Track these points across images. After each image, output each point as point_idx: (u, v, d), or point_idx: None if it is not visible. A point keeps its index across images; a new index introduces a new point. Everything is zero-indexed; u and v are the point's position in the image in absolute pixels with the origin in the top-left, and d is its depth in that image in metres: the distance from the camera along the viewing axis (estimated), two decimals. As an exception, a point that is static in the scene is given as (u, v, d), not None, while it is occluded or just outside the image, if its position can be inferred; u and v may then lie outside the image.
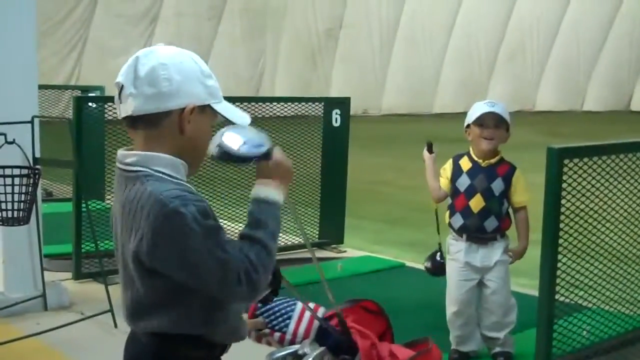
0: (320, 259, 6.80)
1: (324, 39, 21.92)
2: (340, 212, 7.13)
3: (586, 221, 3.63)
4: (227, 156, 2.09)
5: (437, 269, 4.61)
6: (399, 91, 23.03)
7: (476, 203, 4.30)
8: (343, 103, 7.23)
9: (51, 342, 4.74)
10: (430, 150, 4.54)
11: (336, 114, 7.08)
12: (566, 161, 3.44)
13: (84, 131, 6.05)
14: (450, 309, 4.44)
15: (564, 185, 3.43)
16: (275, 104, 7.61)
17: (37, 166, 5.11)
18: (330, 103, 7.28)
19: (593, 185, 3.61)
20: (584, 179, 3.54)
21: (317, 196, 7.09)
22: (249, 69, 20.88)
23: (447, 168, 4.45)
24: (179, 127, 2.07)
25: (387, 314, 2.81)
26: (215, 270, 1.95)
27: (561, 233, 3.43)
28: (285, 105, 7.57)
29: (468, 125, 4.36)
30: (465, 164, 4.39)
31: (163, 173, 2.05)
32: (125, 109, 2.07)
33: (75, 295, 5.58)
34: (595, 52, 26.79)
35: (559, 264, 3.46)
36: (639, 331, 4.72)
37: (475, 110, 4.33)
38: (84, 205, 5.64)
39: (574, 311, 3.86)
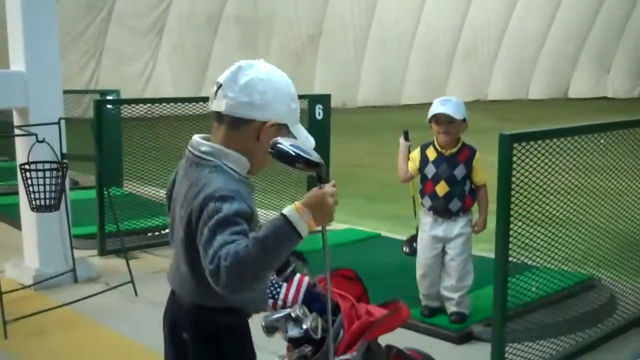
0: (311, 232, 6.80)
1: (307, 44, 21.84)
2: (325, 192, 7.12)
3: (533, 194, 3.65)
4: (282, 153, 1.93)
5: (414, 252, 4.61)
6: (371, 86, 23.01)
7: (441, 188, 4.31)
8: (324, 99, 7.22)
9: (81, 310, 4.75)
10: (406, 138, 4.53)
11: (319, 108, 7.07)
12: (515, 145, 3.45)
13: (103, 129, 6.04)
14: (419, 271, 4.47)
15: (514, 165, 3.44)
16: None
17: (65, 161, 5.10)
18: (314, 99, 7.25)
19: (539, 164, 3.62)
20: (531, 159, 3.56)
21: (304, 180, 7.08)
22: (243, 71, 20.78)
23: (416, 156, 4.44)
24: (256, 135, 2.06)
25: (362, 280, 2.82)
26: (208, 245, 1.88)
27: (512, 205, 3.45)
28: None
29: (429, 121, 4.34)
30: (431, 153, 4.38)
31: (230, 168, 2.04)
32: (218, 105, 2.07)
33: (100, 269, 5.59)
34: (537, 49, 26.83)
35: (511, 231, 3.48)
36: (579, 286, 4.77)
37: (432, 109, 4.30)
38: (105, 192, 5.63)
39: (524, 270, 3.88)
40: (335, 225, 7.01)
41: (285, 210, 1.88)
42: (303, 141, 2.08)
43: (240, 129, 2.06)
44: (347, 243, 6.37)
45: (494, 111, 20.16)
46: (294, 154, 1.92)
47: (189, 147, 2.10)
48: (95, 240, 6.04)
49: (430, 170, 4.36)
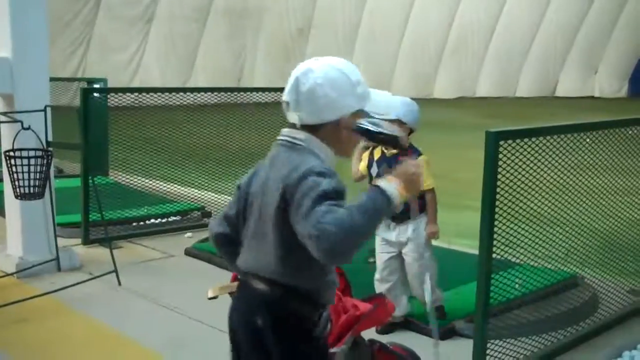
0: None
1: (296, 37, 21.82)
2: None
3: (518, 192, 3.66)
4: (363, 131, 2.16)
5: None
6: (360, 81, 22.99)
7: None
8: (312, 92, 7.18)
9: (64, 299, 4.72)
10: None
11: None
12: (501, 142, 3.45)
13: (89, 117, 6.00)
14: (375, 276, 4.39)
15: (500, 162, 3.44)
16: (254, 93, 7.63)
17: (50, 148, 5.07)
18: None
19: (524, 162, 3.63)
20: (516, 157, 3.56)
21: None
22: (232, 62, 20.77)
23: (366, 155, 4.36)
24: (334, 132, 2.15)
25: (345, 274, 2.82)
26: (309, 214, 1.93)
27: (497, 202, 3.45)
28: (263, 94, 7.58)
29: None
30: (377, 153, 4.31)
31: (318, 156, 2.12)
32: (292, 118, 2.16)
33: (84, 258, 5.56)
34: (526, 47, 26.94)
35: (496, 228, 3.48)
36: (562, 284, 4.80)
37: None
38: (90, 180, 5.60)
39: (508, 267, 3.89)
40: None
41: (378, 182, 2.01)
42: (386, 103, 2.25)
43: (320, 131, 2.15)
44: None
45: (481, 108, 20.25)
46: (375, 130, 2.13)
47: (281, 137, 2.19)
48: (79, 229, 6.02)
49: (374, 169, 4.30)
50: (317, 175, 2.00)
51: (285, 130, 2.20)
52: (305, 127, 2.15)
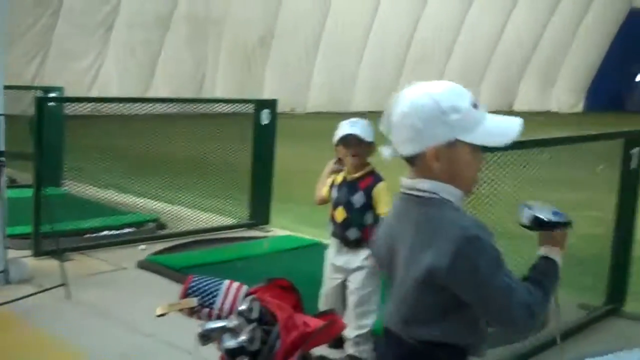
0: (250, 238, 6.73)
1: (258, 46, 21.82)
2: (268, 196, 7.07)
3: (472, 206, 3.66)
4: (537, 222, 2.23)
5: None
6: (321, 92, 23.08)
7: (339, 214, 4.01)
8: (271, 104, 7.17)
9: (14, 312, 4.62)
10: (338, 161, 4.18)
11: (265, 113, 7.03)
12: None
13: (44, 127, 5.90)
14: (320, 301, 4.14)
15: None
16: (214, 104, 7.62)
17: (2, 158, 4.97)
18: (260, 104, 7.21)
19: (483, 177, 3.63)
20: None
21: (247, 183, 7.04)
22: (193, 71, 20.69)
23: (330, 179, 4.18)
24: (427, 166, 1.97)
25: (297, 290, 2.77)
26: (501, 293, 1.91)
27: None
28: (223, 105, 7.56)
29: (337, 144, 4.01)
30: (339, 177, 4.10)
31: (452, 203, 1.98)
32: (386, 151, 2.06)
33: (34, 270, 5.44)
34: (485, 62, 27.29)
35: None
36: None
37: (339, 131, 3.99)
38: (43, 191, 5.50)
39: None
40: (276, 232, 6.96)
41: (552, 255, 2.16)
42: (502, 130, 2.08)
43: (415, 165, 2.01)
44: (286, 250, 6.30)
45: (442, 121, 20.42)
46: (548, 221, 2.22)
47: (405, 190, 2.04)
48: (29, 240, 5.89)
49: (334, 194, 4.08)
50: (474, 239, 1.90)
51: (407, 182, 2.03)
52: (409, 162, 2.01)
